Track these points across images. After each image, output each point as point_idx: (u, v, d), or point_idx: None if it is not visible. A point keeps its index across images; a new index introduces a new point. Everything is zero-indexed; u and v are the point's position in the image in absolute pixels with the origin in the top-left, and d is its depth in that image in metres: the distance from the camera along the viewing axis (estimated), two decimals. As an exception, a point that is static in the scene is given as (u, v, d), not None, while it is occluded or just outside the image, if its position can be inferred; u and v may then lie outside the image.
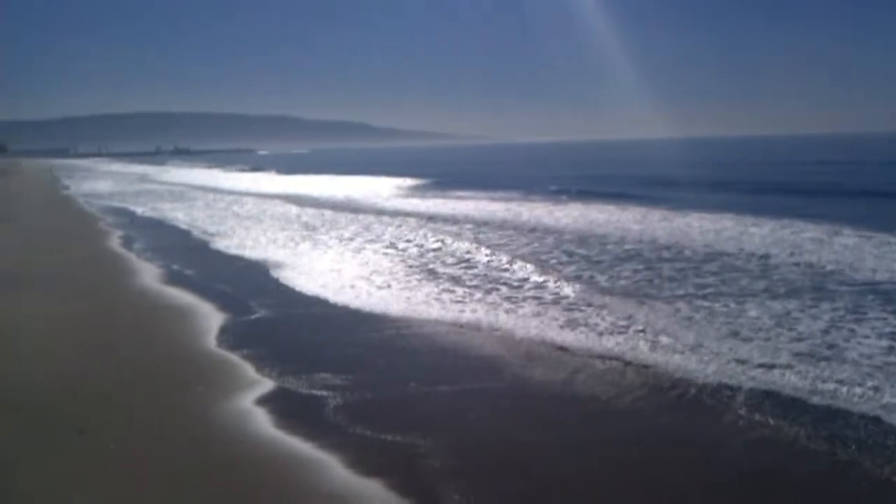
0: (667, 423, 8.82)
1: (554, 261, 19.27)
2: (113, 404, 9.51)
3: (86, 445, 8.19)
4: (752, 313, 13.15)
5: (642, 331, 12.28)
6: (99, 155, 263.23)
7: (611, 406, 9.39)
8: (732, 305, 13.76)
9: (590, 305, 14.13)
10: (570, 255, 20.21)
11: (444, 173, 74.15)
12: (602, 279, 16.61)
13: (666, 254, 19.73)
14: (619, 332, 12.24)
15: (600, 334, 12.15)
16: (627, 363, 10.74)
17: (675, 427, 8.73)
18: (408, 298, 15.28)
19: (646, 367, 10.58)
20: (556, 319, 13.20)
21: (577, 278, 16.87)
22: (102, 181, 75.71)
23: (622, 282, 16.36)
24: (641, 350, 11.26)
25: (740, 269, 17.20)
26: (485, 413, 9.32)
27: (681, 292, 14.98)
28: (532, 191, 44.10)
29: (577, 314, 13.50)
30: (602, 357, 11.07)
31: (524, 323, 13.06)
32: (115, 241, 25.38)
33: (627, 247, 21.18)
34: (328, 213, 34.29)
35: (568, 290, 15.62)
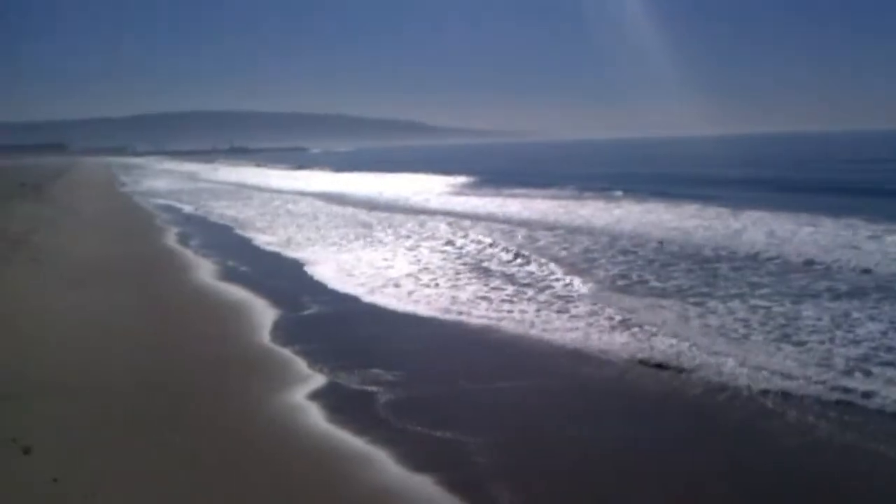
0: (713, 428, 8.72)
1: (607, 261, 19.09)
2: (170, 397, 9.78)
3: (146, 437, 8.44)
4: (809, 312, 12.89)
5: (694, 333, 12.11)
6: (155, 153, 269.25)
7: (658, 409, 9.32)
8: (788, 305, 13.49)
9: (641, 307, 13.98)
10: (625, 253, 20.03)
11: (496, 170, 74.04)
12: (657, 282, 16.34)
13: (722, 253, 19.39)
14: (669, 335, 12.07)
15: (650, 336, 12.01)
16: (678, 369, 10.58)
17: (721, 432, 8.62)
18: (457, 297, 15.34)
19: (693, 370, 10.44)
20: (610, 320, 13.10)
21: (628, 278, 16.71)
22: (156, 179, 77.49)
23: (673, 282, 16.13)
24: (690, 353, 11.11)
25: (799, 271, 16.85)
26: (533, 411, 9.34)
27: (734, 291, 14.74)
28: (585, 188, 43.71)
29: (627, 315, 13.37)
30: (650, 360, 10.95)
31: (573, 324, 13.00)
32: (171, 238, 26.00)
33: (684, 248, 20.83)
34: (377, 213, 34.51)
35: (619, 291, 15.50)
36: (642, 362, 10.80)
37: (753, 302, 13.93)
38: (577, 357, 11.28)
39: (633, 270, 17.53)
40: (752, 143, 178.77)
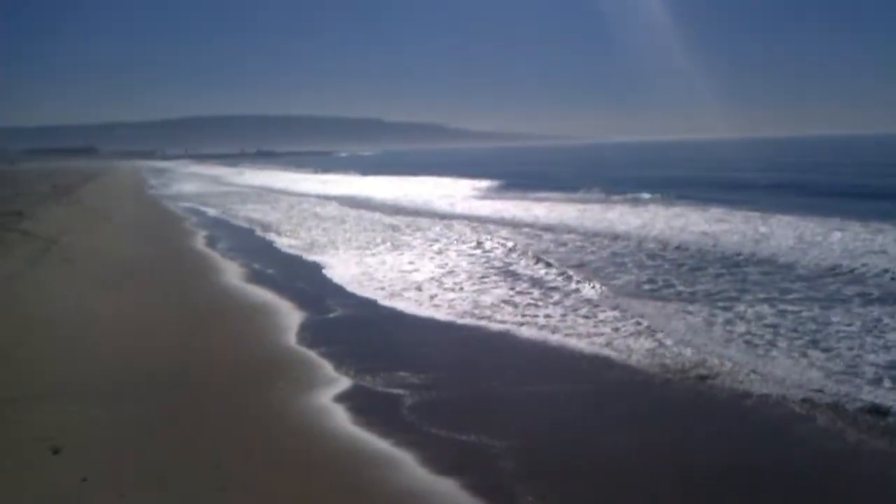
0: (738, 434, 8.64)
1: (634, 265, 18.98)
2: (198, 397, 9.87)
3: (175, 437, 8.53)
4: (839, 318, 12.74)
5: (720, 339, 12.01)
6: (184, 157, 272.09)
7: (683, 415, 9.25)
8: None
9: (668, 312, 13.89)
10: (653, 257, 19.92)
11: (520, 174, 73.93)
12: (685, 287, 16.21)
13: (751, 258, 19.21)
14: (695, 341, 11.98)
15: (676, 342, 11.93)
16: (704, 376, 10.49)
17: (746, 438, 8.54)
18: (482, 301, 15.33)
19: (718, 376, 10.36)
20: (637, 325, 13.02)
21: (655, 282, 16.60)
22: (185, 183, 78.26)
23: (701, 287, 16.01)
24: (716, 360, 11.02)
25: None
26: (557, 415, 9.32)
27: (762, 296, 14.59)
28: (611, 191, 43.47)
29: (654, 320, 13.29)
30: (675, 366, 10.87)
31: (599, 329, 12.93)
32: (199, 241, 26.25)
33: (712, 252, 20.67)
34: (402, 216, 34.58)
35: (646, 296, 15.41)
36: (667, 368, 10.72)
37: (782, 307, 13.78)
38: (602, 362, 11.22)
39: (659, 275, 17.41)
40: (778, 146, 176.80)
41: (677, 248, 21.30)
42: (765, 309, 13.63)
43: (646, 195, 39.86)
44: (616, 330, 12.69)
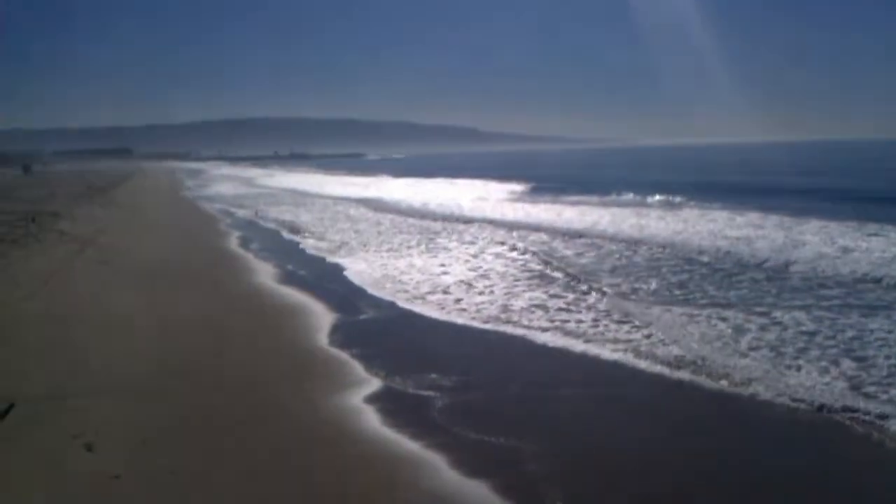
0: (769, 442, 8.52)
1: (668, 270, 18.81)
2: (229, 397, 9.96)
3: (206, 437, 8.62)
4: (877, 325, 12.51)
5: (756, 346, 11.86)
6: (218, 158, 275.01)
7: (710, 421, 9.15)
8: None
9: (701, 317, 13.73)
10: (689, 262, 19.73)
11: (553, 177, 73.55)
12: (718, 292, 16.03)
13: (786, 263, 18.94)
14: (728, 348, 11.84)
15: (709, 348, 11.79)
16: (735, 382, 10.35)
17: (777, 446, 8.41)
18: (513, 305, 15.30)
19: (750, 383, 10.22)
20: (668, 330, 12.90)
21: (688, 288, 16.43)
22: (219, 184, 79.17)
23: (735, 293, 15.82)
24: (750, 367, 10.87)
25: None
26: (589, 420, 9.27)
27: (797, 303, 14.38)
28: (644, 195, 43.09)
29: (688, 326, 13.15)
30: (705, 372, 10.75)
31: (630, 335, 12.82)
32: (233, 242, 26.52)
33: (747, 258, 20.41)
34: (434, 219, 34.64)
35: (680, 302, 15.25)
36: (698, 373, 10.60)
37: (818, 313, 13.56)
38: (633, 368, 11.13)
39: (693, 280, 17.24)
40: (812, 150, 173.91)
41: (711, 253, 21.05)
42: (801, 316, 13.42)
43: (679, 199, 39.47)
44: (647, 337, 12.56)
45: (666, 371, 10.84)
